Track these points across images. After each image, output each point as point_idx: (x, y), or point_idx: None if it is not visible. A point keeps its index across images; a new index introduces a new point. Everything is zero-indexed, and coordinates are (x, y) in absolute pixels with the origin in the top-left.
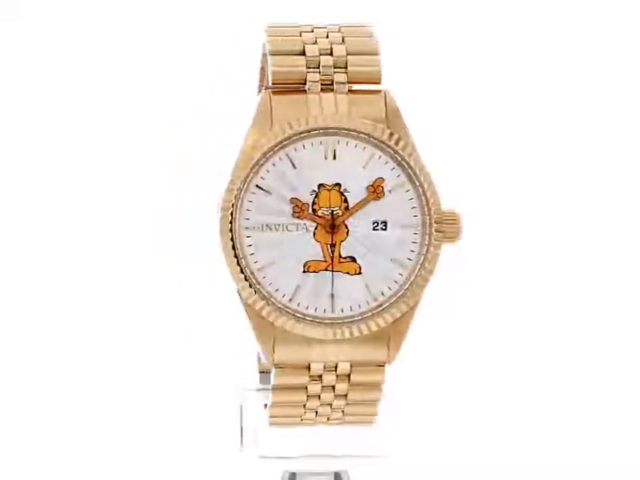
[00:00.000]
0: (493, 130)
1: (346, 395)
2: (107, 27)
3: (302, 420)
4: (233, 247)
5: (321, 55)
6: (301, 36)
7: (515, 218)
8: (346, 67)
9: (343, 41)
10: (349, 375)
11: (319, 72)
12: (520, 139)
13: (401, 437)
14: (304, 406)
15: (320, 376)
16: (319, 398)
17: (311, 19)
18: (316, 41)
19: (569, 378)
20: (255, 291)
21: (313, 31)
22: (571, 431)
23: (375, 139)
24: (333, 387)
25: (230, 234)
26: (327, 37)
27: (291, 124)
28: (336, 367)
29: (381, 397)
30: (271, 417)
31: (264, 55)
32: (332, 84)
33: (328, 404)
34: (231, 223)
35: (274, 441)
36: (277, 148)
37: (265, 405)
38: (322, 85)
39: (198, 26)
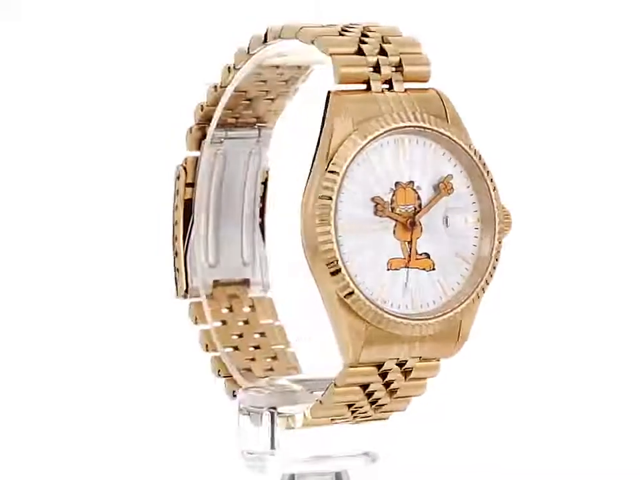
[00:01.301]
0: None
1: (396, 391)
2: (106, 26)
3: (332, 420)
4: (333, 247)
5: (377, 54)
6: (342, 35)
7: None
8: (401, 66)
9: (385, 40)
10: (410, 371)
11: (379, 71)
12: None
13: (402, 437)
14: (349, 405)
15: (386, 373)
16: (370, 396)
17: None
18: (362, 40)
19: (574, 376)
20: (353, 291)
21: (348, 30)
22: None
23: (444, 135)
24: (387, 385)
25: (330, 235)
26: (367, 36)
27: (373, 125)
28: (402, 364)
29: (424, 392)
30: (314, 417)
31: (247, 53)
32: (390, 83)
33: (374, 402)
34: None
35: (246, 437)
36: (361, 148)
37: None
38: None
39: (197, 25)
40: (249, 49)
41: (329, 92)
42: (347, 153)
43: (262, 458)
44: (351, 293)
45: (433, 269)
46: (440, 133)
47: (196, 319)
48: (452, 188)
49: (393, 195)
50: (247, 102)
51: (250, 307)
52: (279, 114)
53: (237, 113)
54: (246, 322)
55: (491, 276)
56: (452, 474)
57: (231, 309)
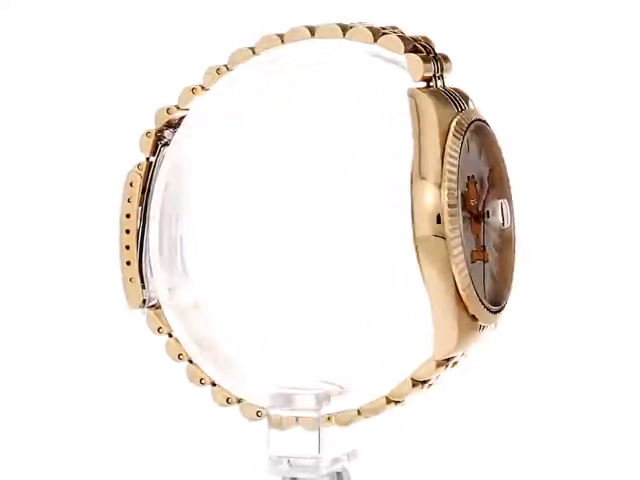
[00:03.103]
0: None
1: (430, 385)
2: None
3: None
4: (460, 242)
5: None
6: (385, 35)
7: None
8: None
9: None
10: (456, 363)
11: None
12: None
13: (402, 435)
14: (396, 402)
15: (445, 367)
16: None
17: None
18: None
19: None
20: (469, 285)
21: (385, 29)
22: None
23: (490, 130)
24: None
25: (459, 230)
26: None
27: (461, 121)
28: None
29: None
30: (369, 415)
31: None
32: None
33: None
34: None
35: (276, 442)
36: (461, 143)
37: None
38: None
39: (197, 25)
40: (254, 48)
41: (410, 89)
42: (454, 149)
43: (314, 463)
44: (468, 287)
45: (488, 261)
46: (489, 127)
47: (159, 328)
48: (494, 181)
49: (468, 189)
50: None
51: None
52: None
53: None
54: None
55: (515, 266)
56: (452, 473)
57: None
